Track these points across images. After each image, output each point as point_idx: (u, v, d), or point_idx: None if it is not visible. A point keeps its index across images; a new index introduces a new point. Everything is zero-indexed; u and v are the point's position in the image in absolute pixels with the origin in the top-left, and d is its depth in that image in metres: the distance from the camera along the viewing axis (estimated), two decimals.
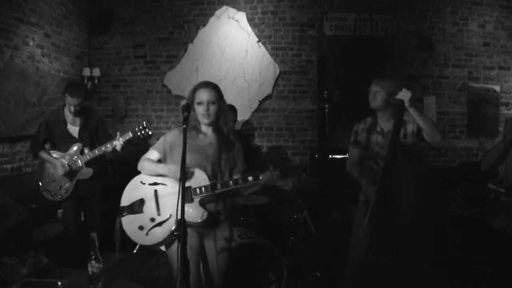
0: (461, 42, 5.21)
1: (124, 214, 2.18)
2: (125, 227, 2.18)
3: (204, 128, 2.26)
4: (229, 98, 4.94)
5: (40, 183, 3.33)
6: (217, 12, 5.20)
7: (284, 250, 3.33)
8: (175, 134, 2.24)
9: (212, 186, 2.08)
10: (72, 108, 3.23)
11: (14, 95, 4.02)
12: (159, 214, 2.13)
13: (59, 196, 3.27)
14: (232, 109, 4.17)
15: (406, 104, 2.39)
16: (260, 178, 2.10)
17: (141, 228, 2.12)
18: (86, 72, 5.21)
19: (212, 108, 2.17)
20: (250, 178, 2.10)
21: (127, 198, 2.21)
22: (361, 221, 2.53)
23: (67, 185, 3.26)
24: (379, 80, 2.67)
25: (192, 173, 2.10)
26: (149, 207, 2.16)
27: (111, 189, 4.08)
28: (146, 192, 2.19)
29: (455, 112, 5.25)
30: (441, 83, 5.21)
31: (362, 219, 2.53)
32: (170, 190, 2.16)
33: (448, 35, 5.18)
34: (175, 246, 1.94)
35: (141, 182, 2.23)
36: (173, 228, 2.05)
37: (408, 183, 2.42)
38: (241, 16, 5.16)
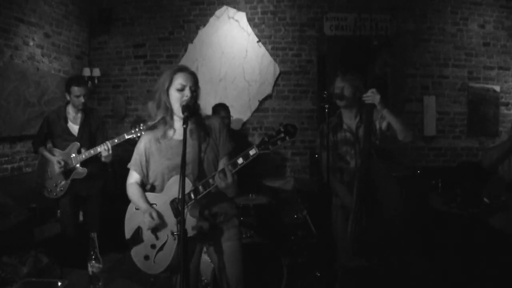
0: (461, 42, 5.21)
1: (130, 247, 2.05)
2: (134, 260, 2.04)
3: (177, 123, 2.00)
4: (229, 98, 5.05)
5: (39, 180, 3.34)
6: (217, 12, 5.20)
7: (284, 250, 3.33)
8: (146, 140, 2.05)
9: (195, 191, 1.85)
10: (82, 99, 3.25)
11: (14, 95, 4.02)
12: (157, 238, 1.97)
13: (54, 194, 3.28)
14: (224, 107, 4.17)
15: (378, 106, 2.41)
16: (239, 162, 1.77)
17: (146, 258, 2.00)
18: (86, 72, 5.21)
19: (195, 95, 1.94)
20: (239, 160, 1.79)
21: (128, 230, 2.07)
22: (343, 226, 2.52)
23: (62, 183, 3.26)
24: (344, 75, 2.62)
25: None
26: (147, 233, 2.00)
27: (110, 188, 4.09)
28: (142, 219, 2.00)
29: (455, 112, 5.25)
30: (441, 83, 5.22)
31: (343, 224, 2.53)
32: (160, 209, 1.96)
33: (448, 35, 5.19)
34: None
35: (136, 208, 2.06)
36: (175, 232, 1.88)
37: (386, 185, 2.41)
38: (241, 16, 5.16)
